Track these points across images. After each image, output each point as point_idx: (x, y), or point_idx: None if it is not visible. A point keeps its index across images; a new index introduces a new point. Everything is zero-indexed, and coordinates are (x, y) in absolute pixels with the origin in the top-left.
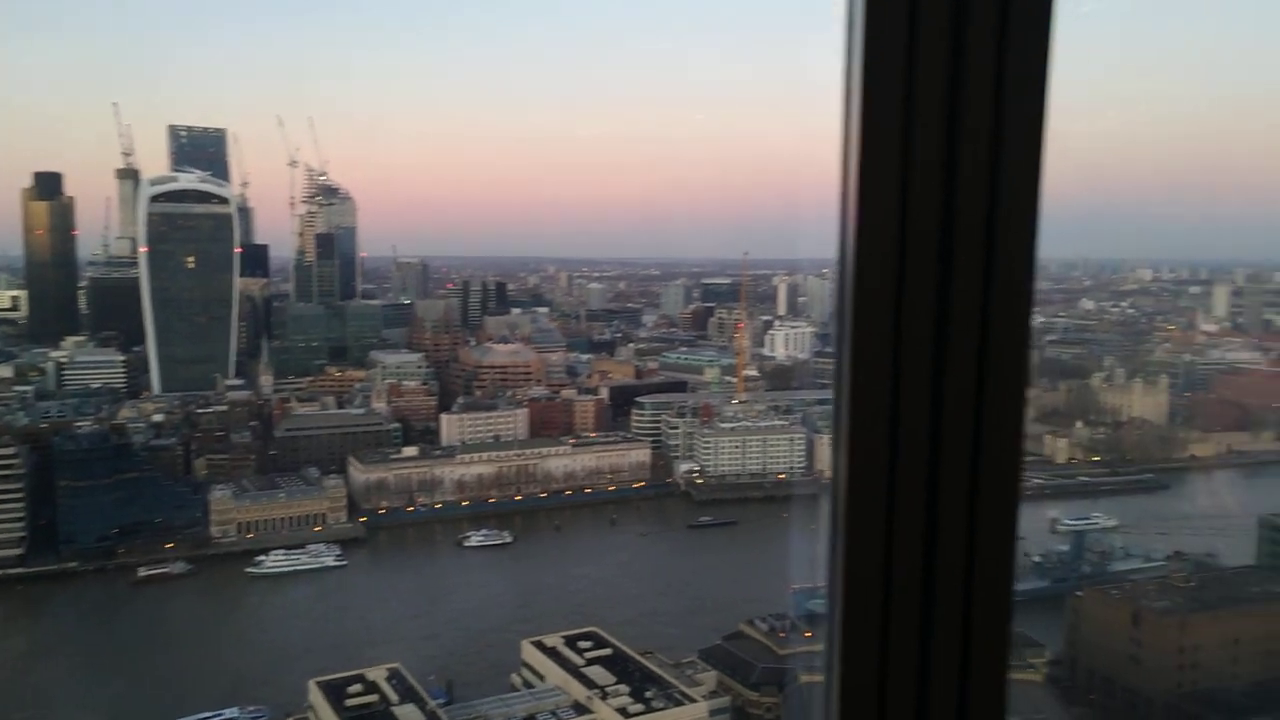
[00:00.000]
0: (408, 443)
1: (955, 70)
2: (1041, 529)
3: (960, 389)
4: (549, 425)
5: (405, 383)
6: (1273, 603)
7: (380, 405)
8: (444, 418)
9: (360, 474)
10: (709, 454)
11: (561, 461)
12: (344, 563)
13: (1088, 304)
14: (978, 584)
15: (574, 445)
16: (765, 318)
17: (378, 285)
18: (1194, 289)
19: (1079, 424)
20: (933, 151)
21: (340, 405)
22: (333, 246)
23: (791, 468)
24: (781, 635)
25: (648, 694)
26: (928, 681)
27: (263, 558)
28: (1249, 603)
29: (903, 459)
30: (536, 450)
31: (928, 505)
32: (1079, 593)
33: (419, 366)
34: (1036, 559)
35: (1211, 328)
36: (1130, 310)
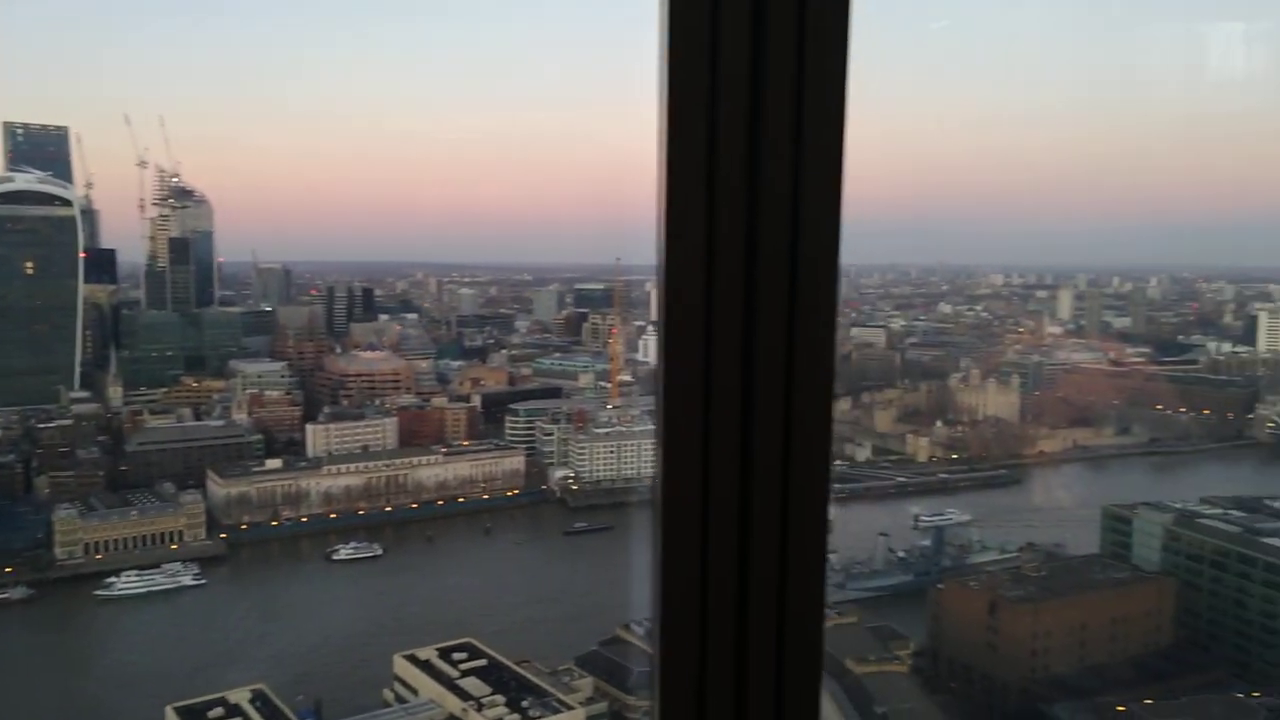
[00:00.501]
0: (271, 455)
1: (756, 76)
2: (905, 525)
3: (770, 396)
4: (420, 434)
5: (268, 393)
6: (1114, 587)
7: (241, 416)
8: (309, 428)
9: (220, 489)
10: (584, 460)
11: (433, 471)
12: (202, 581)
13: (945, 308)
14: (791, 586)
15: (446, 454)
16: (639, 323)
17: (237, 292)
18: (1041, 293)
19: (939, 423)
20: (736, 158)
21: (198, 417)
22: (188, 251)
23: None
24: None
25: (524, 703)
26: (745, 682)
27: (113, 579)
28: (1094, 588)
29: (715, 464)
30: (407, 460)
31: (741, 511)
32: (940, 585)
33: (282, 375)
34: (901, 554)
35: (1057, 330)
36: (984, 314)
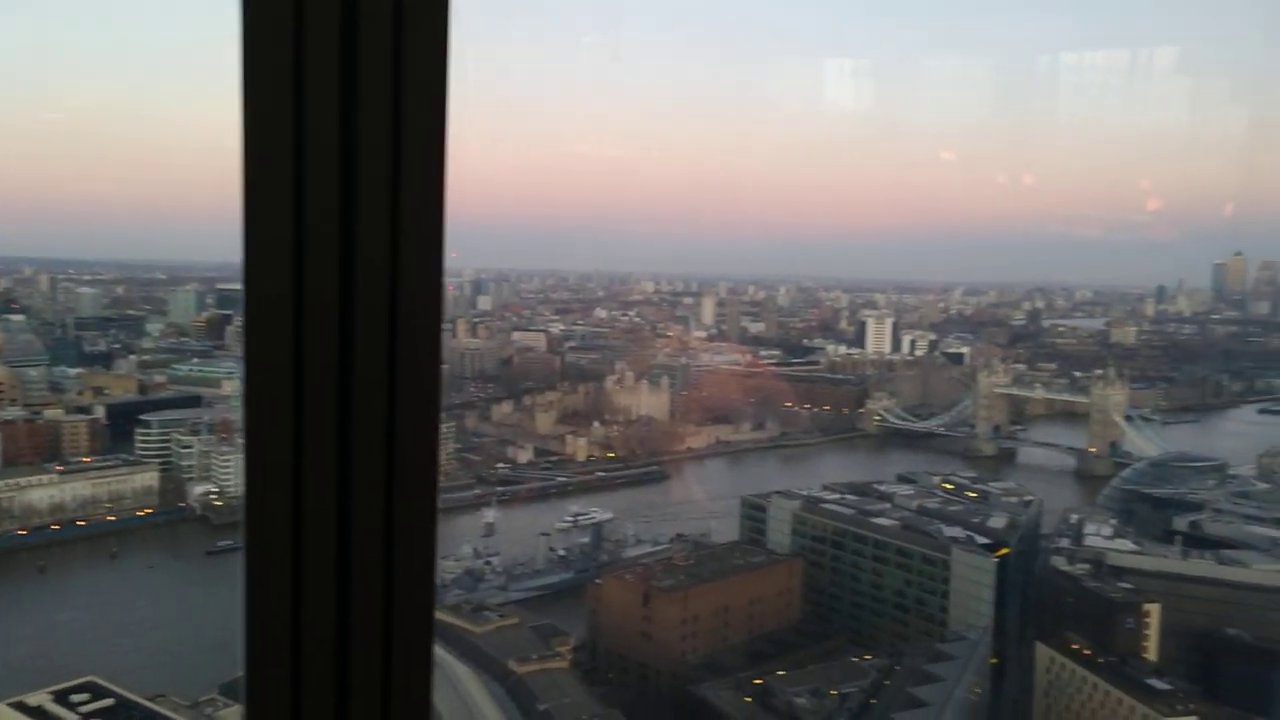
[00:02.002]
0: None
1: (347, 70)
2: (566, 524)
3: (370, 403)
4: (29, 450)
5: None
6: (752, 571)
7: None
8: None
9: None
10: (229, 474)
11: (46, 492)
12: None
13: (601, 313)
14: (398, 602)
15: (62, 472)
16: None
17: None
18: (687, 300)
19: (596, 424)
20: (328, 155)
21: None
22: None
23: None
24: None
25: None
26: (348, 706)
27: None
28: (734, 573)
29: (310, 477)
30: (13, 481)
31: (340, 524)
32: (598, 580)
33: None
34: (561, 553)
35: (701, 334)
36: (636, 318)
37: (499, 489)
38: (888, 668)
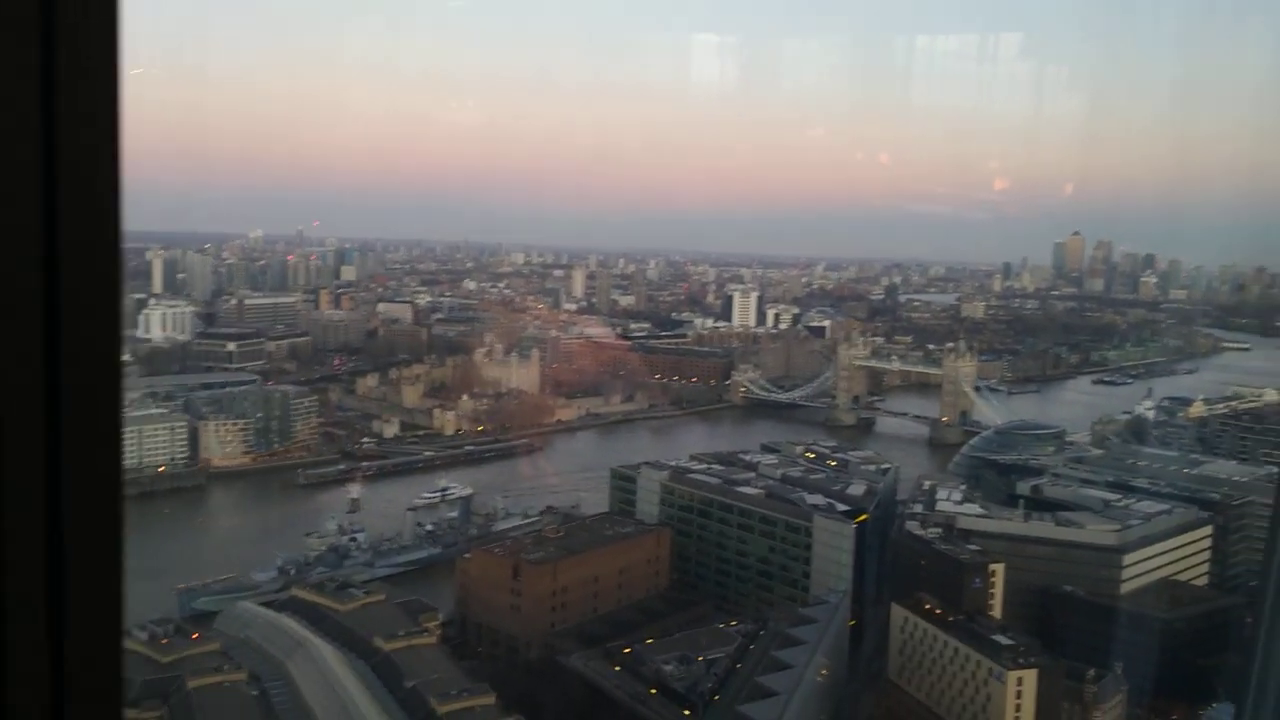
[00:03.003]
0: None
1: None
2: (434, 498)
3: (29, 390)
4: None
5: None
6: (621, 541)
7: None
8: None
9: None
10: None
11: None
12: None
13: (470, 284)
14: (78, 599)
15: None
16: (138, 295)
17: None
18: (558, 272)
19: (465, 397)
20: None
21: None
22: None
23: (173, 459)
24: (164, 642)
25: None
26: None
27: None
28: (603, 544)
29: None
30: None
31: None
32: (467, 555)
33: None
34: (429, 528)
35: (571, 307)
36: (507, 290)
37: (364, 464)
38: (753, 633)
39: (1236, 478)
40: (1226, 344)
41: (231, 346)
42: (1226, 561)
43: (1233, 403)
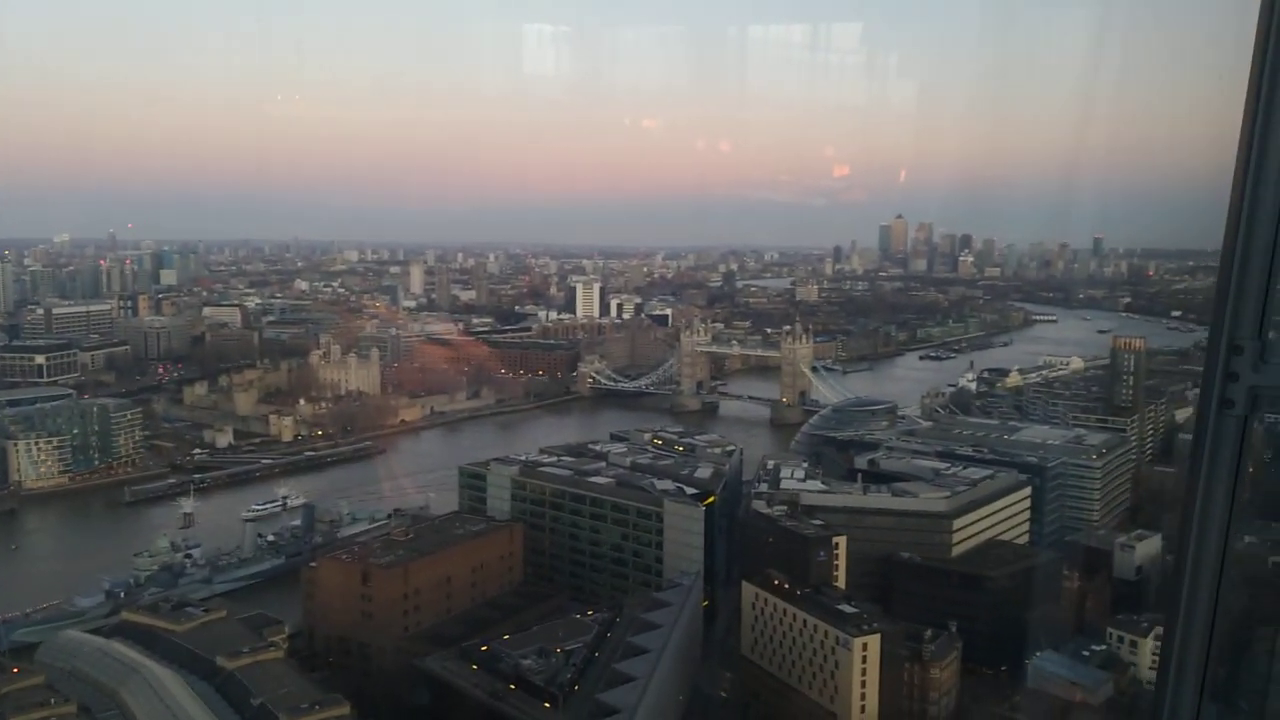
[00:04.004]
0: None
1: None
2: (268, 508)
3: None
4: None
5: None
6: (473, 539)
7: None
8: None
9: None
10: None
11: None
12: None
13: (302, 284)
14: None
15: None
16: None
17: None
18: (394, 269)
19: (303, 401)
20: None
21: None
22: None
23: None
24: None
25: None
26: None
27: None
28: (455, 543)
29: None
30: None
31: None
32: (313, 564)
33: None
34: (270, 538)
35: (410, 304)
36: (341, 289)
37: (197, 476)
38: (609, 621)
39: (1050, 441)
40: (1037, 317)
41: (40, 359)
42: (1044, 520)
43: (1044, 371)
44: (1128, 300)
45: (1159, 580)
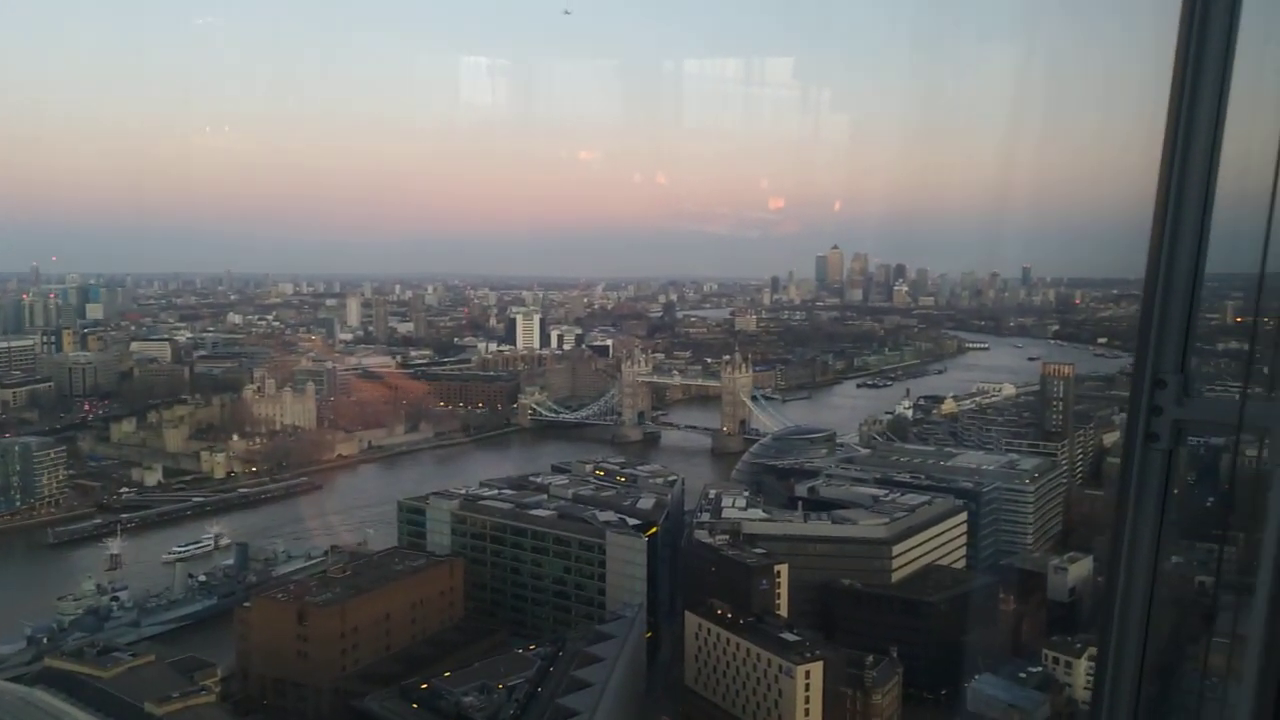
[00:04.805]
0: None
1: None
2: (196, 548)
3: None
4: None
5: None
6: (412, 575)
7: None
8: None
9: None
10: None
11: None
12: None
13: (236, 318)
14: None
15: None
16: None
17: None
18: (330, 301)
19: (235, 437)
20: None
21: None
22: None
23: None
24: None
25: None
26: None
27: None
28: (393, 579)
29: None
30: None
31: None
32: (246, 604)
33: None
34: (202, 578)
35: (347, 336)
36: (276, 322)
37: (124, 516)
38: (552, 655)
39: (985, 466)
40: (969, 344)
41: None
42: (980, 544)
43: (978, 398)
44: (1056, 328)
45: (1091, 601)
